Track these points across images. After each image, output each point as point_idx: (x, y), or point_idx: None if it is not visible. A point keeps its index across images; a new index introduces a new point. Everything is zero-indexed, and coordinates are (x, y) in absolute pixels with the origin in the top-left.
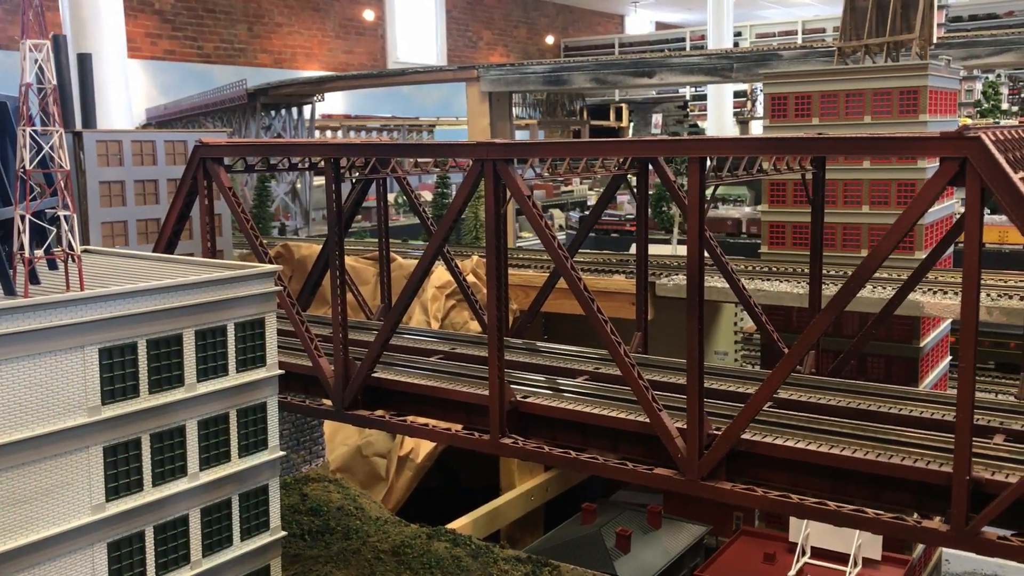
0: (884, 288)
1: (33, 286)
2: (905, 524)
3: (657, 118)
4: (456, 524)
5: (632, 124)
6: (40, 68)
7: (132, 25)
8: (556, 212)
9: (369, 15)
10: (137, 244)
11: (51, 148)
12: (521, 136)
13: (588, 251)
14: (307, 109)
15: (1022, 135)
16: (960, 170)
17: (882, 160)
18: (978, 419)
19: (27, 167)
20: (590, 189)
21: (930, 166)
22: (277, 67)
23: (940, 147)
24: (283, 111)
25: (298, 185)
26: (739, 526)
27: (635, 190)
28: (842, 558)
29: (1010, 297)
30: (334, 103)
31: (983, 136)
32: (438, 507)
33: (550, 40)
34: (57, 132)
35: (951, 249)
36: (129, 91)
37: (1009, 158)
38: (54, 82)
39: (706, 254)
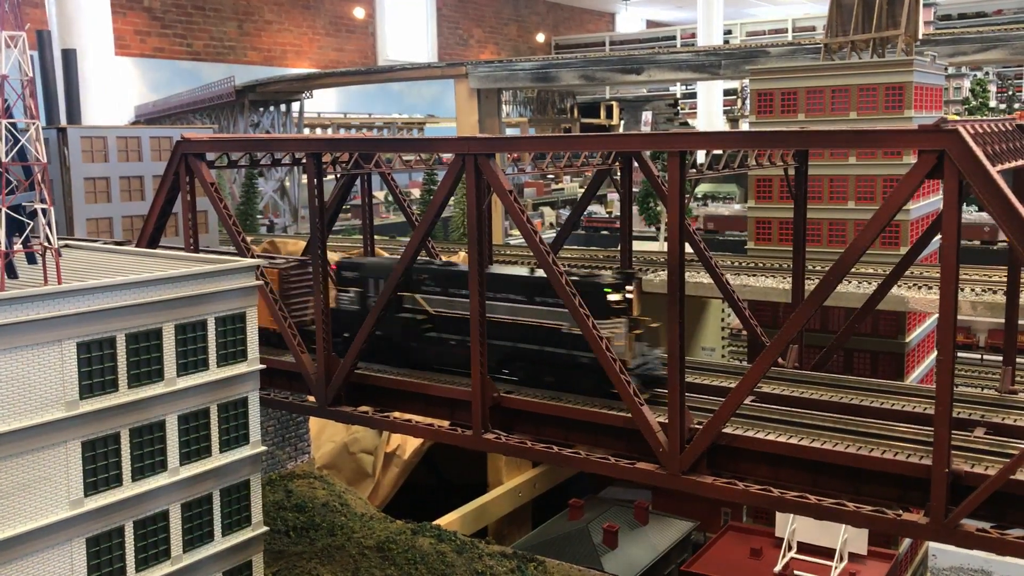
0: (869, 283)
1: (10, 280)
2: (885, 517)
3: (647, 116)
4: (444, 520)
5: (623, 122)
6: (17, 60)
7: (121, 23)
8: (547, 210)
9: (359, 13)
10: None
11: (28, 141)
12: (511, 134)
13: (577, 247)
14: (295, 106)
15: (1003, 128)
16: (939, 163)
17: (868, 156)
18: (959, 412)
19: (3, 159)
20: (580, 187)
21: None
22: (267, 65)
23: (917, 139)
24: (271, 108)
25: (287, 183)
26: (726, 522)
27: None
28: (828, 553)
29: (994, 292)
30: (326, 102)
31: (961, 128)
32: (426, 504)
33: (541, 38)
34: (34, 125)
35: (938, 244)
36: (115, 87)
37: (988, 151)
38: (30, 74)
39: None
